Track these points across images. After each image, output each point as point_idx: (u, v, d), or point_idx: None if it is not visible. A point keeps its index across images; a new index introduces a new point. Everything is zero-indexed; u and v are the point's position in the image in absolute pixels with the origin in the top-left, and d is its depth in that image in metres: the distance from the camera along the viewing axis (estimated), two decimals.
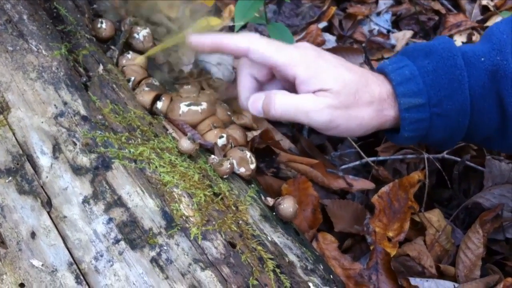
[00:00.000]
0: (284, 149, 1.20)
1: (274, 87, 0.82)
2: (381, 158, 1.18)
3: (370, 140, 1.23)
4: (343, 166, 1.17)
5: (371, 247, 1.01)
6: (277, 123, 1.21)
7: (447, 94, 0.75)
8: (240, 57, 0.83)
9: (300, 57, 0.75)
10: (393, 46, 1.50)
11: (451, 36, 1.53)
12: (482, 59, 0.75)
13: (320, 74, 0.74)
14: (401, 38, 1.52)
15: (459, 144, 1.15)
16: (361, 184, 1.12)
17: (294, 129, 1.26)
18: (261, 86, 0.83)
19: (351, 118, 0.74)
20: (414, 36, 1.57)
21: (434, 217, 1.10)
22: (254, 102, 0.78)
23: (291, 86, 0.79)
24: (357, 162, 1.19)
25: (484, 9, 1.61)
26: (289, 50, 0.76)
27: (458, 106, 0.75)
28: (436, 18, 1.59)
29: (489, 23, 1.54)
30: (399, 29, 1.59)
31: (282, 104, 0.75)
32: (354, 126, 0.76)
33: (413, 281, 0.98)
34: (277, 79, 0.82)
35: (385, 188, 1.08)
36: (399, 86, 0.75)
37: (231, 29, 1.53)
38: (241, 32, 1.53)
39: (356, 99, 0.74)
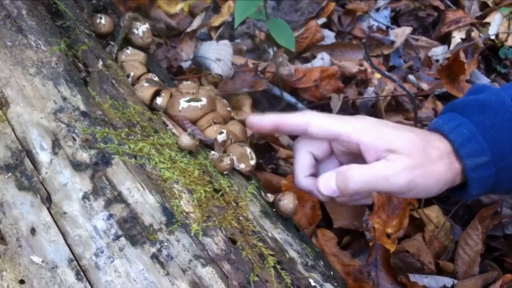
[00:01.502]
0: (283, 145, 1.20)
1: (330, 164, 0.82)
2: None
3: None
4: None
5: (370, 244, 1.02)
6: None
7: (510, 148, 0.75)
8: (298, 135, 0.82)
9: (362, 124, 0.76)
10: (392, 42, 1.50)
11: (449, 32, 1.53)
12: None
13: (385, 135, 0.74)
14: (400, 34, 1.52)
15: None
16: None
17: None
18: (317, 164, 0.82)
19: (428, 175, 0.74)
20: (413, 32, 1.57)
21: (433, 214, 1.11)
22: (326, 183, 0.76)
23: (349, 160, 0.79)
24: None
25: (483, 5, 1.61)
26: (349, 119, 0.77)
27: None
28: (435, 14, 1.60)
29: (488, 19, 1.54)
30: (398, 25, 1.59)
31: (361, 176, 0.73)
32: (432, 183, 0.75)
33: (412, 277, 0.98)
34: (334, 156, 0.82)
35: None
36: (462, 147, 0.75)
37: (230, 24, 1.53)
38: (240, 28, 1.53)
39: (427, 155, 0.74)
